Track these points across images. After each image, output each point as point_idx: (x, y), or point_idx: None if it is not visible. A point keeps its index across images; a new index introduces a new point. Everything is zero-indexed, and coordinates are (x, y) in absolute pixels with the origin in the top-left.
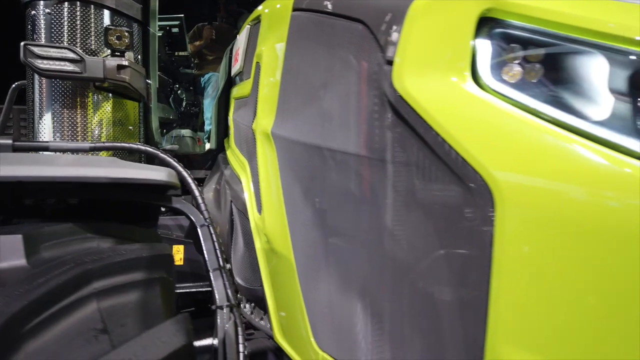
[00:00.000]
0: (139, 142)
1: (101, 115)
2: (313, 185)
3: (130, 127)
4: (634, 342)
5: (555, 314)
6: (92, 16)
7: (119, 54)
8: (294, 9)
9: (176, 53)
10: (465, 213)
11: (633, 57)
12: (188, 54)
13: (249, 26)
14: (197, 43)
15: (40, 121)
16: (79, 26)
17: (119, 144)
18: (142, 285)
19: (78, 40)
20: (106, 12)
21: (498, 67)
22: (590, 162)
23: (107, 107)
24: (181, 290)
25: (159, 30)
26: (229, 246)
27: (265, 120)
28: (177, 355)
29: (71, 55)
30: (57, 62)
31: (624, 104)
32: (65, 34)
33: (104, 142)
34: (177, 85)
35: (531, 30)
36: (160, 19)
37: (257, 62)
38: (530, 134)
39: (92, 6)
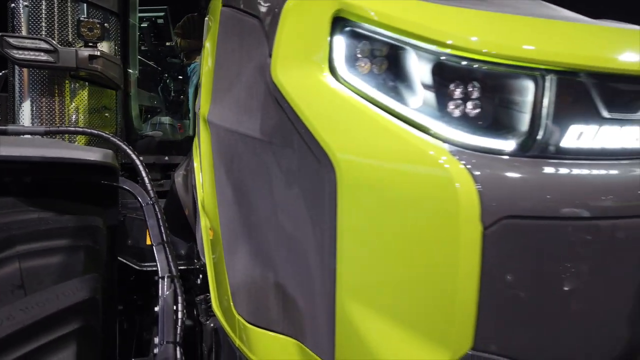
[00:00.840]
0: (117, 128)
1: (78, 103)
2: (232, 166)
3: (107, 114)
4: (444, 291)
5: (385, 273)
6: (69, 9)
7: (91, 44)
8: (223, 5)
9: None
10: (324, 188)
11: (442, 57)
12: (174, 45)
13: (206, 19)
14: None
15: (21, 108)
16: (56, 18)
17: (71, 129)
18: (65, 251)
19: (56, 32)
20: (83, 5)
21: (352, 60)
22: (405, 143)
23: (84, 95)
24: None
25: (144, 21)
26: (194, 226)
27: (204, 107)
28: (78, 307)
29: (45, 45)
30: (31, 53)
31: (433, 95)
32: (43, 25)
33: (58, 127)
34: (166, 75)
35: (374, 31)
36: (145, 10)
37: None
38: (363, 119)
39: (69, 0)
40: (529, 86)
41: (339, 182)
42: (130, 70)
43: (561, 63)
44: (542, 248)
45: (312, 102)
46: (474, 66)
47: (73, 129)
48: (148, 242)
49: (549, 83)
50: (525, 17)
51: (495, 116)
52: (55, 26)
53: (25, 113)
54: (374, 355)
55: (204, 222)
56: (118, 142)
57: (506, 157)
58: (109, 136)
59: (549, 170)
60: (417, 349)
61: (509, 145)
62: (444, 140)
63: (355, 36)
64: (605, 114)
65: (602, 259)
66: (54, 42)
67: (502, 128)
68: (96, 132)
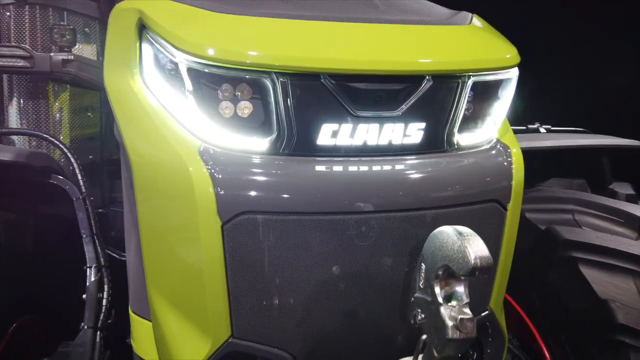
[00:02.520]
0: (101, 127)
1: (61, 104)
2: None
3: (90, 114)
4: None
5: (164, 264)
6: (50, 17)
7: (66, 49)
8: None
9: None
10: (132, 186)
11: (195, 66)
12: None
13: None
14: None
15: (8, 109)
16: (38, 27)
17: (15, 130)
18: None
19: (38, 39)
20: (64, 13)
21: (153, 68)
22: (167, 145)
23: (66, 97)
24: None
25: None
26: None
27: None
28: None
29: (21, 52)
30: (8, 59)
31: (199, 100)
32: (27, 34)
33: (10, 128)
34: None
35: (160, 42)
36: None
37: None
38: (151, 122)
39: (50, 9)
40: (269, 89)
41: (134, 180)
42: None
43: (292, 67)
44: (279, 241)
45: (123, 106)
46: (218, 72)
47: (16, 130)
48: None
49: (285, 85)
50: (287, 20)
51: (251, 118)
52: (38, 34)
53: (13, 114)
54: (160, 343)
55: None
56: (56, 141)
57: (258, 156)
58: (47, 136)
59: (293, 167)
60: (188, 338)
61: (262, 145)
62: (205, 142)
63: (152, 45)
64: (357, 111)
65: (336, 250)
66: (29, 48)
67: (257, 129)
68: (37, 133)
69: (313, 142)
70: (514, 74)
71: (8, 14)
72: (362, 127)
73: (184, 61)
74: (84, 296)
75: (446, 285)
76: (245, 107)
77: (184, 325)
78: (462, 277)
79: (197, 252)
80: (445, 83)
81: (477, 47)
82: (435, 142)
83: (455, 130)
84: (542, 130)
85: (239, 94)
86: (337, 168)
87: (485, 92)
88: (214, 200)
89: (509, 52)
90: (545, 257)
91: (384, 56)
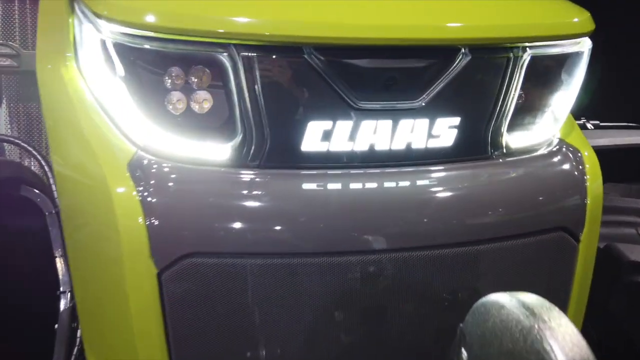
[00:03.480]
0: None
1: None
2: None
3: None
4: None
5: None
6: None
7: None
8: None
9: None
10: None
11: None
12: None
13: None
14: None
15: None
16: (29, 23)
17: None
18: None
19: (29, 37)
20: None
21: (88, 46)
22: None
23: None
24: None
25: None
26: None
27: None
28: None
29: (7, 50)
30: None
31: (138, 90)
32: (16, 31)
33: None
34: None
35: (94, 21)
36: None
37: None
38: (78, 120)
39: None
40: (228, 70)
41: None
42: None
43: (260, 36)
44: (242, 295)
45: (48, 100)
46: (156, 48)
47: None
48: None
49: (251, 64)
50: None
51: (210, 115)
52: (29, 31)
53: (2, 116)
54: None
55: None
56: (30, 148)
57: (216, 169)
58: (20, 142)
59: (265, 186)
60: None
61: (223, 153)
62: (144, 150)
63: (80, 20)
64: (359, 103)
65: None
66: (16, 46)
67: (218, 130)
68: (12, 139)
69: (295, 148)
70: (585, 45)
71: None
72: (368, 124)
73: (109, 34)
74: (56, 326)
75: None
76: (204, 100)
77: None
78: None
79: (127, 308)
80: (490, 58)
81: (533, 7)
82: (476, 146)
83: (505, 127)
84: (589, 126)
85: (195, 80)
86: (332, 185)
87: (545, 73)
88: (146, 237)
89: (578, 15)
90: (605, 282)
91: (398, 20)
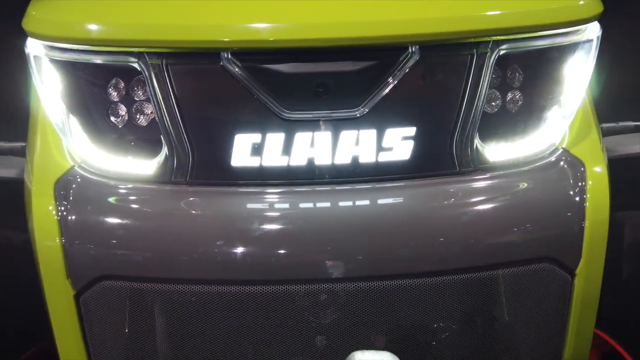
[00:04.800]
0: None
1: None
2: None
3: None
4: None
5: None
6: None
7: None
8: None
9: None
10: None
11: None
12: None
13: None
14: None
15: None
16: None
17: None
18: None
19: None
20: None
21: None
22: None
23: None
24: None
25: None
26: None
27: None
28: None
29: None
30: None
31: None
32: None
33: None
34: None
35: None
36: None
37: None
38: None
39: None
40: (143, 80)
41: None
42: None
43: (172, 42)
44: (164, 320)
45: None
46: (86, 59)
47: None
48: None
49: (162, 72)
50: None
51: (146, 127)
52: None
53: None
54: None
55: None
56: None
57: (140, 186)
58: None
59: (188, 204)
60: None
61: (149, 169)
62: (81, 165)
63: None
64: (286, 113)
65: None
66: None
67: (149, 144)
68: None
69: (223, 163)
70: (589, 34)
71: None
72: (301, 137)
73: (39, 49)
74: None
75: None
76: (148, 110)
77: None
78: None
79: (50, 327)
80: (448, 56)
81: None
82: (439, 159)
83: (475, 137)
84: None
85: (136, 91)
86: (257, 205)
87: (528, 71)
88: (62, 258)
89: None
90: None
91: (326, 17)
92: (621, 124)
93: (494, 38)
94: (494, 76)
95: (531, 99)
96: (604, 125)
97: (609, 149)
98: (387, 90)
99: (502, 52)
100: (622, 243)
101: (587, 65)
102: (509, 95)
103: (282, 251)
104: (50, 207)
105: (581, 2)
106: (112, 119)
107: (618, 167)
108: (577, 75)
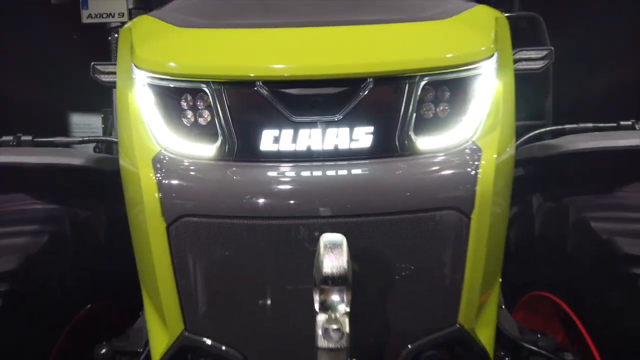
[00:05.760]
0: None
1: None
2: None
3: None
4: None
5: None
6: None
7: None
8: None
9: None
10: None
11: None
12: None
13: None
14: None
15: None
16: None
17: (94, 137)
18: None
19: None
20: None
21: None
22: (132, 150)
23: None
24: None
25: None
26: None
27: None
28: None
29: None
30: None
31: (161, 111)
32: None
33: (89, 136)
34: None
35: None
36: None
37: None
38: (130, 129)
39: None
40: (209, 98)
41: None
42: None
43: (225, 76)
44: (219, 243)
45: (120, 110)
46: (170, 85)
47: (95, 138)
48: None
49: (220, 94)
50: (235, 30)
51: (209, 126)
52: None
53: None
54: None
55: None
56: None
57: (205, 162)
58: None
59: (234, 172)
60: (155, 330)
61: (210, 151)
62: (166, 149)
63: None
64: (295, 117)
65: (277, 254)
66: None
67: (210, 136)
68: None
69: (254, 148)
70: (484, 69)
71: (116, 35)
72: (303, 132)
73: (142, 77)
74: None
75: (322, 293)
76: (209, 115)
77: (153, 317)
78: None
79: (150, 251)
80: (391, 85)
81: (438, 43)
82: (387, 147)
83: (410, 133)
84: (638, 127)
85: (200, 103)
86: (275, 173)
87: (450, 91)
88: (159, 205)
89: (479, 46)
90: (605, 272)
91: (318, 60)
92: (581, 125)
93: (419, 73)
94: (430, 93)
95: (453, 109)
96: (568, 126)
97: (562, 146)
98: (354, 104)
99: (426, 81)
100: (567, 222)
101: (486, 87)
102: (440, 107)
103: (291, 200)
104: (151, 175)
105: (475, 50)
106: (184, 120)
107: (570, 160)
108: (482, 94)
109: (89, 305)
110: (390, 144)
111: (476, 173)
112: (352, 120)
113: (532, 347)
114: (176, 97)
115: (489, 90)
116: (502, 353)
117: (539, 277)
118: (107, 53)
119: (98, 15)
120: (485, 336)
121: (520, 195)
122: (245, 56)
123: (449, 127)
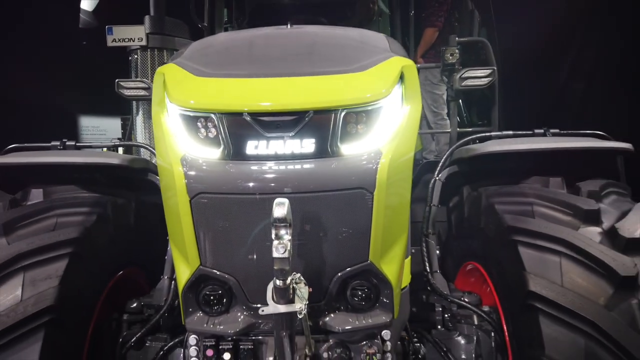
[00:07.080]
0: None
1: None
2: None
3: None
4: (182, 235)
5: (170, 225)
6: (165, 57)
7: None
8: None
9: None
10: None
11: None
12: None
13: None
14: None
15: (136, 126)
16: (156, 64)
17: (128, 142)
18: None
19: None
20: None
21: (169, 113)
22: (167, 153)
23: None
24: None
25: None
26: None
27: None
28: None
29: (143, 85)
30: (133, 90)
31: (187, 128)
32: (148, 70)
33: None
34: None
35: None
36: None
37: None
38: (164, 141)
39: (164, 51)
40: (215, 122)
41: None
42: None
43: (225, 109)
44: (223, 210)
45: (156, 129)
46: (188, 114)
47: (127, 142)
48: None
49: (222, 120)
50: (233, 79)
51: (215, 138)
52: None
53: (139, 130)
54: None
55: None
56: (154, 151)
57: (212, 160)
58: (146, 146)
59: (230, 167)
60: (181, 265)
61: (216, 154)
62: (188, 153)
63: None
64: (267, 134)
65: (260, 216)
66: (148, 81)
67: (216, 145)
68: (142, 145)
69: (243, 152)
70: (385, 103)
71: (136, 56)
72: (273, 142)
73: (174, 108)
74: None
75: (275, 229)
76: (215, 132)
77: (179, 257)
78: None
79: (179, 215)
80: (324, 115)
81: (354, 88)
82: (323, 151)
83: (338, 143)
84: (548, 134)
85: (209, 124)
86: (256, 168)
87: (363, 118)
88: (185, 186)
89: (379, 89)
90: (499, 241)
91: (281, 100)
92: (504, 132)
93: (340, 108)
94: (352, 118)
95: (367, 128)
96: (494, 133)
97: (479, 149)
98: (302, 125)
99: (345, 112)
100: (480, 206)
101: (388, 115)
102: (359, 126)
103: (265, 183)
104: (179, 169)
105: (377, 92)
106: (199, 134)
107: (485, 160)
108: (385, 119)
109: (123, 271)
110: (325, 150)
111: (377, 167)
112: (301, 135)
113: (458, 301)
114: (194, 121)
115: (392, 116)
116: (440, 309)
117: (469, 251)
118: (127, 70)
119: (121, 40)
120: (390, 271)
121: (457, 187)
122: (236, 97)
123: (364, 139)
